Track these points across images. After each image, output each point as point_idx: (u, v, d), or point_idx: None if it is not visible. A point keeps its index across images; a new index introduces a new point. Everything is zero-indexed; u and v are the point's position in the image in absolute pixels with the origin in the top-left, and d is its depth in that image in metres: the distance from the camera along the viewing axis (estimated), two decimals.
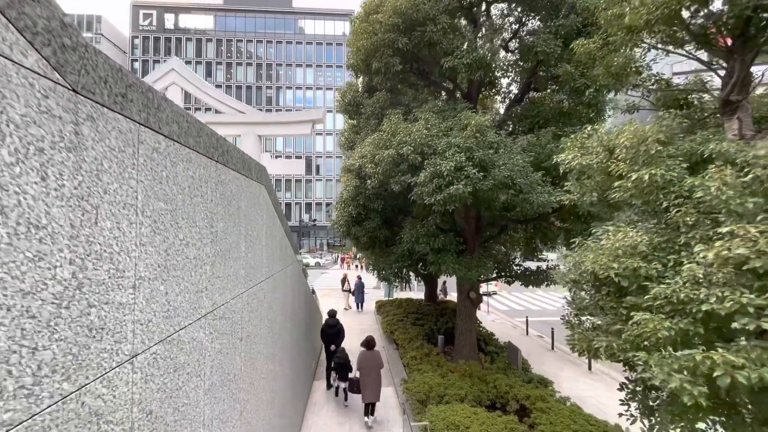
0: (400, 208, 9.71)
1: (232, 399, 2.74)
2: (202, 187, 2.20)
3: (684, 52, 3.91)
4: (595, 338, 3.34)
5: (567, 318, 3.95)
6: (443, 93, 9.00)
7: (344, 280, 18.61)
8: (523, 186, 6.38)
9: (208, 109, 39.95)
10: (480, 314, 14.38)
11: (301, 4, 62.68)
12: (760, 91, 4.56)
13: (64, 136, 1.14)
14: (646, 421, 3.43)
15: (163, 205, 1.75)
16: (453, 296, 19.52)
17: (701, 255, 2.43)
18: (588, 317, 3.83)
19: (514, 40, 9.43)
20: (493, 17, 9.23)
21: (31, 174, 1.01)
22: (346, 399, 7.73)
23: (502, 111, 9.99)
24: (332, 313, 8.77)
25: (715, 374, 2.12)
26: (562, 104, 7.73)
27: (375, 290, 23.71)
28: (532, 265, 10.60)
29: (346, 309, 17.57)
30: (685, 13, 3.76)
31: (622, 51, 3.96)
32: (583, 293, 3.82)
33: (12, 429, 0.95)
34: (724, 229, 2.38)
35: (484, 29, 7.32)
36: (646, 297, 2.55)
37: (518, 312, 18.93)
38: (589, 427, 5.78)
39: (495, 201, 6.87)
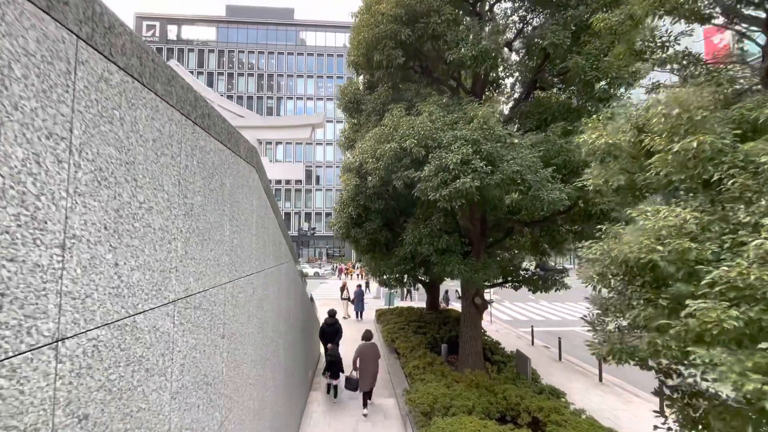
0: (402, 209, 9.35)
1: (210, 406, 2.34)
2: (173, 147, 1.84)
3: (717, 23, 3.61)
4: (623, 339, 2.94)
5: (588, 318, 3.55)
6: (447, 91, 8.74)
7: (343, 288, 18.15)
8: (532, 182, 6.03)
9: None
10: (483, 324, 13.91)
11: (303, 16, 63.53)
12: None
13: None
14: None
15: (114, 152, 1.39)
16: (454, 306, 19.04)
17: None
18: (613, 317, 3.43)
19: (518, 39, 9.22)
20: (499, 13, 9.04)
21: None
22: (335, 396, 8.05)
23: (506, 111, 9.72)
24: (332, 313, 9.07)
25: None
26: (570, 101, 7.44)
27: (375, 300, 23.20)
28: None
29: (345, 318, 17.05)
30: None
31: (647, 24, 3.66)
32: (604, 291, 3.43)
33: None
34: None
35: (489, 26, 7.06)
36: (703, 282, 2.16)
37: (522, 322, 18.40)
38: None
39: (502, 200, 6.51)
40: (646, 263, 2.42)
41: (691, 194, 2.74)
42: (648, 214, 2.56)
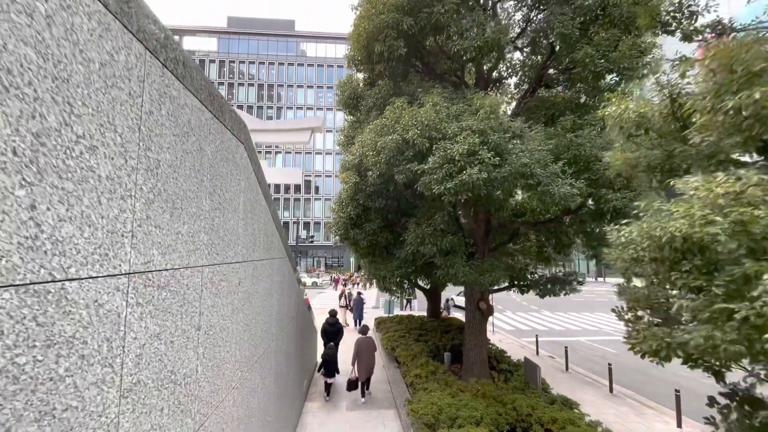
0: (403, 210, 8.99)
1: (179, 410, 1.94)
2: (131, 83, 1.50)
3: None
4: (671, 333, 2.55)
5: (619, 311, 3.16)
6: (450, 87, 8.47)
7: (342, 295, 17.69)
8: (542, 177, 5.70)
9: None
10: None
11: (304, 28, 64.37)
12: None
13: None
14: None
15: (33, 55, 1.04)
16: (456, 315, 18.54)
17: None
18: (647, 310, 3.05)
19: (522, 38, 9.02)
20: (502, 13, 8.86)
21: None
22: (328, 394, 8.26)
23: (510, 110, 9.46)
24: (333, 313, 9.61)
25: None
26: (578, 96, 7.16)
27: (374, 310, 22.66)
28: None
29: (344, 326, 16.52)
30: None
31: None
32: (636, 282, 3.06)
33: None
34: None
35: (494, 21, 6.84)
36: None
37: (524, 332, 17.89)
38: None
39: (507, 198, 6.18)
40: (698, 241, 2.05)
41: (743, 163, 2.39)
42: (698, 182, 2.18)
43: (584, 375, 11.32)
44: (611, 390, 9.73)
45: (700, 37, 3.51)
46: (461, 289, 29.43)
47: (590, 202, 7.14)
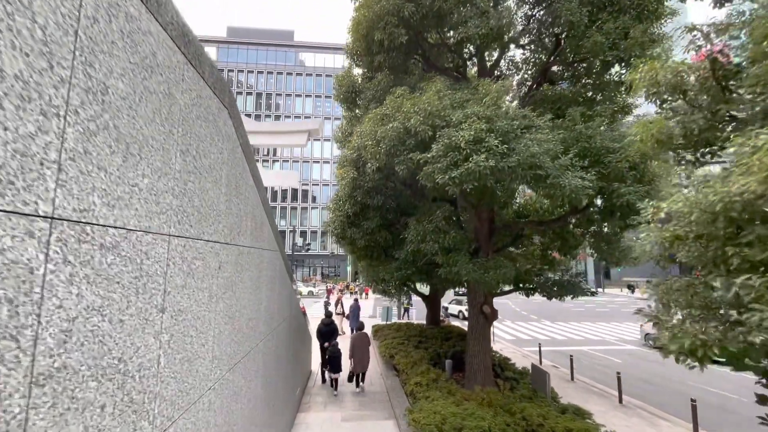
0: (403, 209, 8.64)
1: (131, 410, 1.53)
2: None
3: None
4: (707, 330, 2.18)
5: (649, 310, 2.78)
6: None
7: (338, 301, 17.20)
8: (551, 169, 5.37)
9: None
10: None
11: (303, 38, 65.04)
12: None
13: None
14: None
15: None
16: (456, 323, 18.05)
17: None
18: (679, 306, 2.68)
19: (525, 36, 8.81)
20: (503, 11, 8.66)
21: None
22: (335, 389, 8.58)
23: (514, 105, 9.20)
24: (328, 314, 9.86)
25: None
26: (586, 89, 6.89)
27: (371, 319, 22.11)
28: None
29: (340, 334, 15.99)
30: None
31: None
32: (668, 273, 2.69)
33: None
34: None
35: (497, 10, 6.60)
36: None
37: (525, 341, 17.43)
38: None
39: (513, 195, 5.82)
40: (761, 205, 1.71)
41: None
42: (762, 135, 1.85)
43: (591, 385, 10.86)
44: (620, 400, 9.28)
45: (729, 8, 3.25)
46: (452, 297, 28.82)
47: (598, 200, 6.83)
